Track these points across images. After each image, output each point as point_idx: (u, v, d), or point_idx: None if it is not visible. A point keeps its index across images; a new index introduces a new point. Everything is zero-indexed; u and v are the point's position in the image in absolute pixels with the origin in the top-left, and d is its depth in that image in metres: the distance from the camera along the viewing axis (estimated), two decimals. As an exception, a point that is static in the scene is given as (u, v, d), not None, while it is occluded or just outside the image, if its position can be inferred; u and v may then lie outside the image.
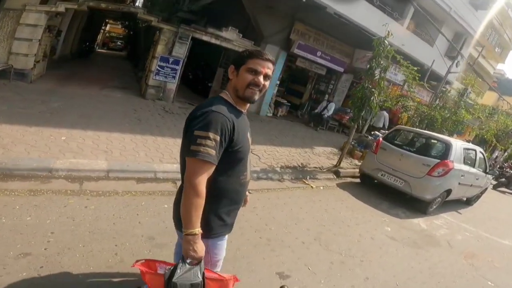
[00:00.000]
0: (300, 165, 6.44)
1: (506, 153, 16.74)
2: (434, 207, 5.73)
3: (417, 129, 6.74)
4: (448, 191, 5.65)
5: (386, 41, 5.75)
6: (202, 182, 1.22)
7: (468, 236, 5.23)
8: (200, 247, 1.26)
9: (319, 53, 9.67)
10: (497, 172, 7.08)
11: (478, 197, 7.49)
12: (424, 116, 7.84)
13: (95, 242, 2.53)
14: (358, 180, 6.69)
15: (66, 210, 2.90)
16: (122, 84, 9.37)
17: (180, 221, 1.31)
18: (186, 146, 1.25)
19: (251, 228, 3.48)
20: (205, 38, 7.92)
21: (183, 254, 1.27)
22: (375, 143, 6.22)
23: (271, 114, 10.58)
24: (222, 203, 1.41)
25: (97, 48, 22.46)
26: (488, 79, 16.65)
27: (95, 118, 5.55)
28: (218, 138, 1.22)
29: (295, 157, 6.86)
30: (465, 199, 7.18)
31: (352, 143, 8.71)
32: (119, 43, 26.60)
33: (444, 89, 8.34)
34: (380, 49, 5.68)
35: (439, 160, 5.25)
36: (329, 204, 4.82)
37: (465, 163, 5.68)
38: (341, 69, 10.54)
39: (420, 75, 7.78)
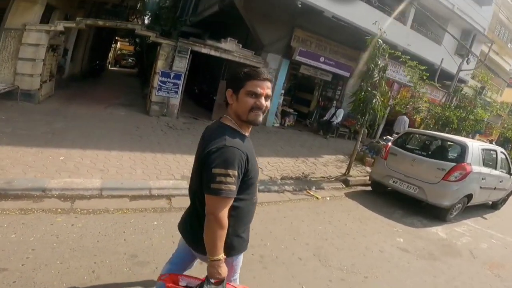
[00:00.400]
0: (305, 176, 6.16)
1: None
2: (455, 213, 5.27)
3: (429, 132, 6.31)
4: (469, 196, 5.19)
5: (380, 40, 5.49)
6: (225, 215, 1.30)
7: (495, 244, 4.74)
8: (224, 270, 1.35)
9: (322, 59, 9.46)
10: None
11: (504, 200, 6.87)
12: (438, 117, 7.38)
13: (74, 259, 2.48)
14: (369, 188, 6.31)
15: (52, 228, 2.88)
16: (128, 101, 9.52)
17: (195, 241, 1.47)
18: (206, 183, 1.29)
19: (273, 243, 3.30)
20: (204, 50, 7.94)
21: (209, 276, 1.37)
22: (384, 149, 5.86)
23: (278, 124, 10.37)
24: (240, 225, 1.49)
25: (109, 66, 22.81)
26: (505, 76, 16.01)
27: (95, 137, 5.58)
28: (236, 173, 1.27)
29: (300, 167, 6.59)
30: (490, 203, 6.61)
31: (364, 149, 8.35)
32: (130, 60, 26.64)
33: (457, 87, 7.85)
34: (375, 49, 5.41)
35: (455, 164, 4.84)
36: (334, 216, 4.51)
37: (485, 165, 5.21)
38: (347, 74, 10.25)
39: (428, 74, 7.40)
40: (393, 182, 5.44)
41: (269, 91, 1.35)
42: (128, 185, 4.14)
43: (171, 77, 7.71)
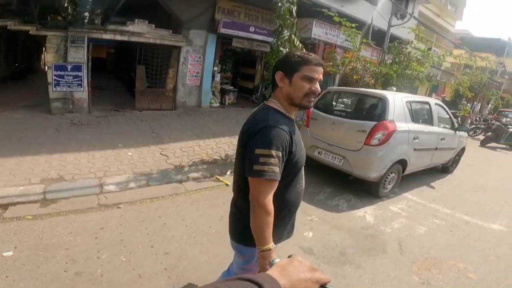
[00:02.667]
0: (226, 157, 5.29)
1: (490, 105, 15.60)
2: (390, 186, 4.43)
3: (348, 88, 5.49)
4: (402, 162, 4.34)
5: None
6: (270, 200, 1.22)
7: (437, 226, 3.74)
8: None
9: (252, 29, 8.49)
10: (469, 127, 5.75)
11: (456, 161, 6.17)
12: (377, 75, 6.64)
13: None
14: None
15: None
16: (37, 102, 8.21)
17: (241, 235, 1.43)
18: (248, 165, 1.22)
19: (66, 257, 2.37)
20: (107, 36, 6.94)
21: (259, 268, 1.28)
22: (305, 114, 4.97)
23: (218, 104, 9.54)
24: (285, 214, 1.41)
25: (45, 67, 21.26)
26: (450, 37, 15.84)
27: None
28: (280, 154, 1.20)
29: (222, 148, 5.72)
30: (440, 166, 5.90)
31: (301, 118, 7.62)
32: None
33: (392, 45, 7.18)
34: (280, 4, 4.61)
35: (375, 122, 4.01)
36: None
37: (415, 121, 4.37)
38: (284, 42, 9.34)
39: (360, 32, 6.74)
40: (318, 153, 4.60)
41: (321, 76, 1.30)
42: None
43: (69, 70, 6.65)
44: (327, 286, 0.64)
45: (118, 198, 3.59)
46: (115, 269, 2.36)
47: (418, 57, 6.81)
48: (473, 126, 11.76)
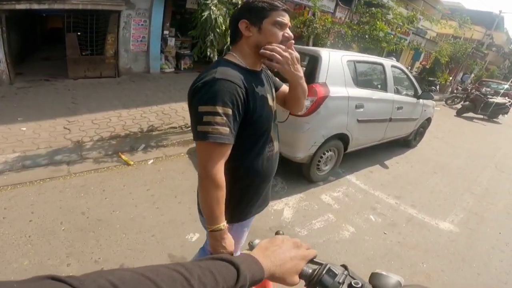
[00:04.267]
0: (145, 130, 4.52)
1: (472, 75, 14.88)
2: (327, 168, 3.66)
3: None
4: (342, 137, 3.54)
5: None
6: (219, 169, 1.00)
7: (370, 226, 2.92)
8: (228, 242, 1.08)
9: (204, -14, 7.38)
10: (432, 95, 4.90)
11: (420, 134, 5.45)
12: (337, 34, 5.76)
13: None
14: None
15: None
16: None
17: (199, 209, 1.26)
18: (193, 127, 1.01)
19: None
20: (21, 6, 5.85)
21: (212, 251, 1.10)
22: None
23: (172, 69, 8.70)
24: (250, 184, 1.18)
25: None
26: (440, 7, 14.81)
27: None
28: (229, 110, 0.97)
29: (147, 119, 4.96)
30: (402, 140, 5.17)
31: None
32: None
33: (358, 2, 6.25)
34: None
35: (303, 87, 3.18)
36: (112, 198, 2.85)
37: (359, 85, 3.50)
38: (245, 3, 8.29)
39: None
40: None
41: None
42: None
43: (-22, 43, 5.70)
44: (315, 261, 0.63)
45: (-31, 185, 2.83)
46: None
47: (388, 18, 5.89)
48: (452, 95, 11.11)
